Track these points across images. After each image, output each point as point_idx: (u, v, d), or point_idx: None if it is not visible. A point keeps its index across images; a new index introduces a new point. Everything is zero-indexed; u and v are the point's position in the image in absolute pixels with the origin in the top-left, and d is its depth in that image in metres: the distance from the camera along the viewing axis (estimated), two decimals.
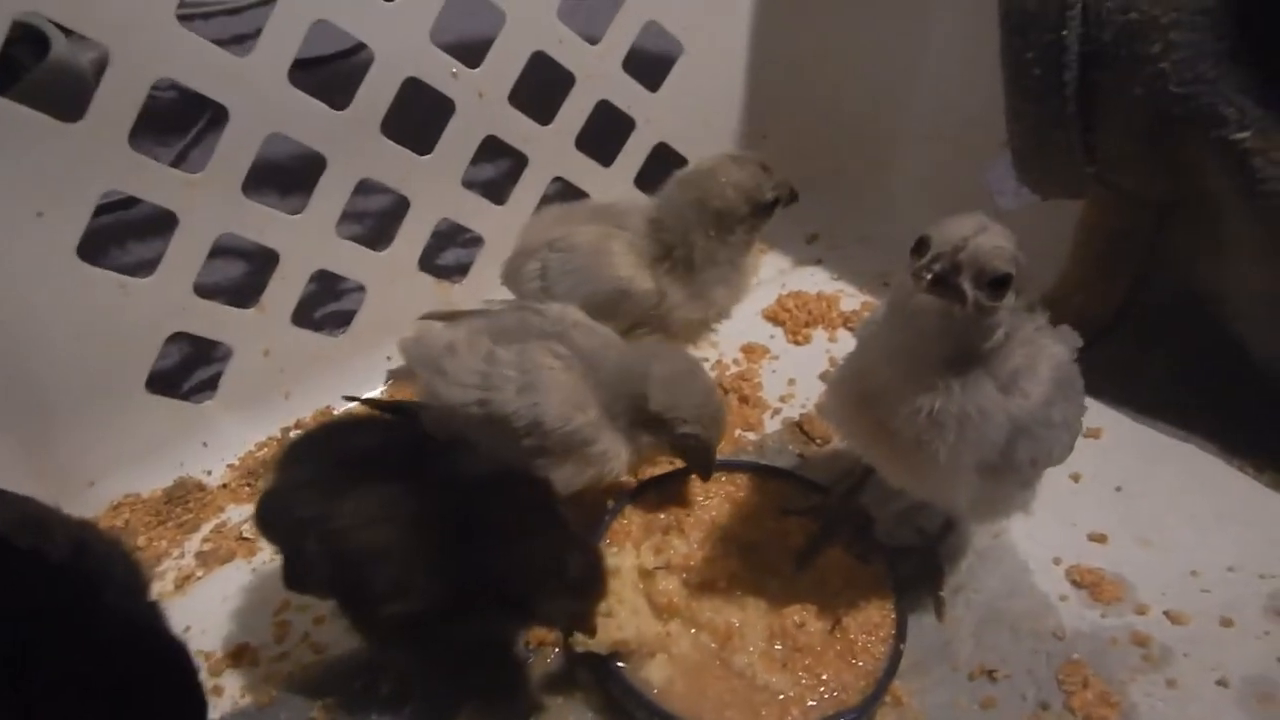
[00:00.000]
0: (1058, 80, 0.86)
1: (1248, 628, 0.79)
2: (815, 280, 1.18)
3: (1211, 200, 0.86)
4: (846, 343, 1.09)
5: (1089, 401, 0.75)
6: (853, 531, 0.82)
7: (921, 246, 0.60)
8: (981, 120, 0.96)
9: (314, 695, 0.76)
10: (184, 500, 0.91)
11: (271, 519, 0.72)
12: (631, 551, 0.79)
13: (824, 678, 0.73)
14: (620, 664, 0.72)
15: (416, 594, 0.66)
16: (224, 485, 0.94)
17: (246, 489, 0.93)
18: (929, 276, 0.58)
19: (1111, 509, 0.89)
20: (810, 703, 0.71)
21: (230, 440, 0.98)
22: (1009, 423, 0.65)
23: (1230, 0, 0.78)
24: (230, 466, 0.96)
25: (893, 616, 0.76)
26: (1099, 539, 0.87)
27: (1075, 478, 0.91)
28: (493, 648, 0.78)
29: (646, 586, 0.77)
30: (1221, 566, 0.83)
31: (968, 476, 0.67)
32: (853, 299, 1.15)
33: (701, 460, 0.82)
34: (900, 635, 0.75)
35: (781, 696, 0.71)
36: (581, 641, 0.71)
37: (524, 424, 0.76)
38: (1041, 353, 0.69)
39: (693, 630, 0.75)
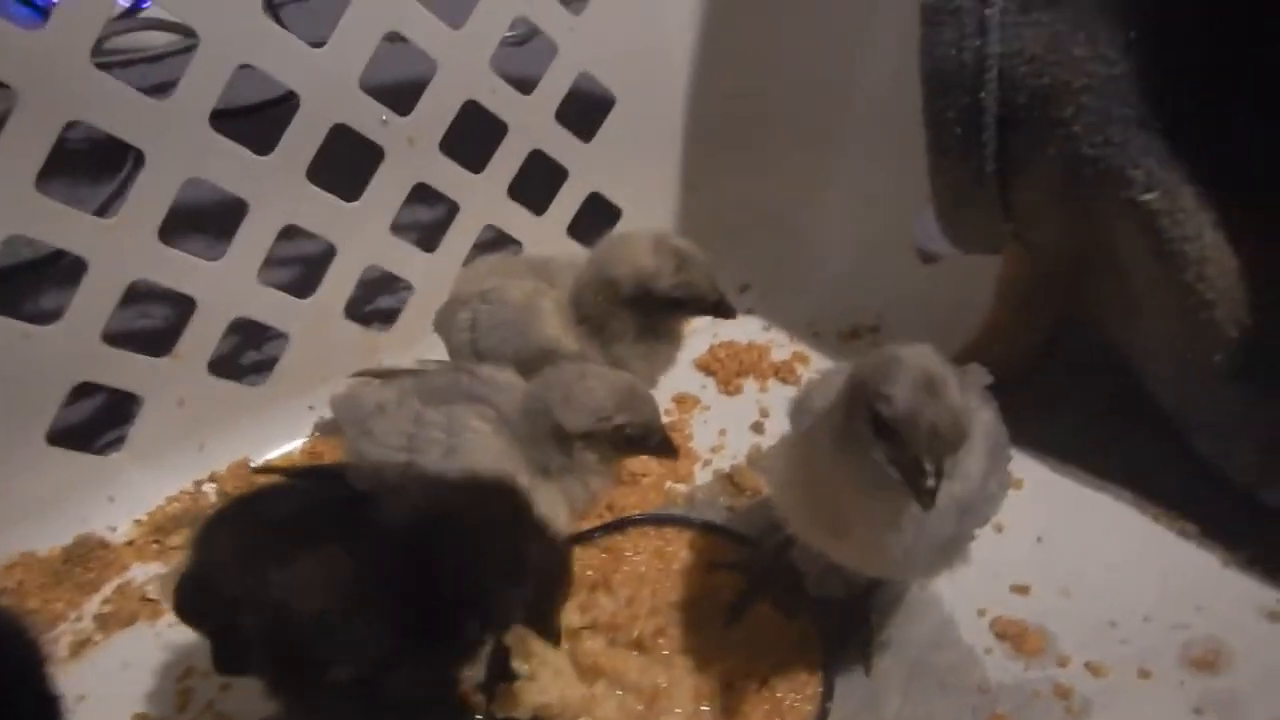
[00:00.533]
0: (977, 140, 0.88)
1: (1164, 678, 0.80)
2: (747, 330, 1.18)
3: (1122, 258, 0.89)
4: (777, 393, 1.10)
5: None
6: (782, 587, 0.82)
7: (874, 404, 0.57)
8: (910, 172, 0.98)
9: None
10: (84, 559, 0.87)
11: (196, 602, 0.67)
12: None
13: None
14: None
15: (365, 652, 0.63)
16: (129, 542, 0.90)
17: (154, 546, 0.89)
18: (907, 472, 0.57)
19: (1033, 559, 0.90)
20: None
21: (139, 494, 0.93)
22: (956, 508, 0.65)
23: (1136, 69, 0.82)
24: (137, 522, 0.92)
25: (820, 674, 0.76)
26: (1021, 590, 0.87)
27: (998, 528, 0.92)
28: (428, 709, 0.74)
29: (572, 647, 0.75)
30: (1139, 616, 0.85)
31: (922, 560, 0.67)
32: (783, 349, 1.16)
33: (655, 441, 0.78)
34: (828, 693, 0.75)
35: None
36: (503, 707, 0.68)
37: None
38: (974, 423, 0.67)
39: (618, 692, 0.73)
